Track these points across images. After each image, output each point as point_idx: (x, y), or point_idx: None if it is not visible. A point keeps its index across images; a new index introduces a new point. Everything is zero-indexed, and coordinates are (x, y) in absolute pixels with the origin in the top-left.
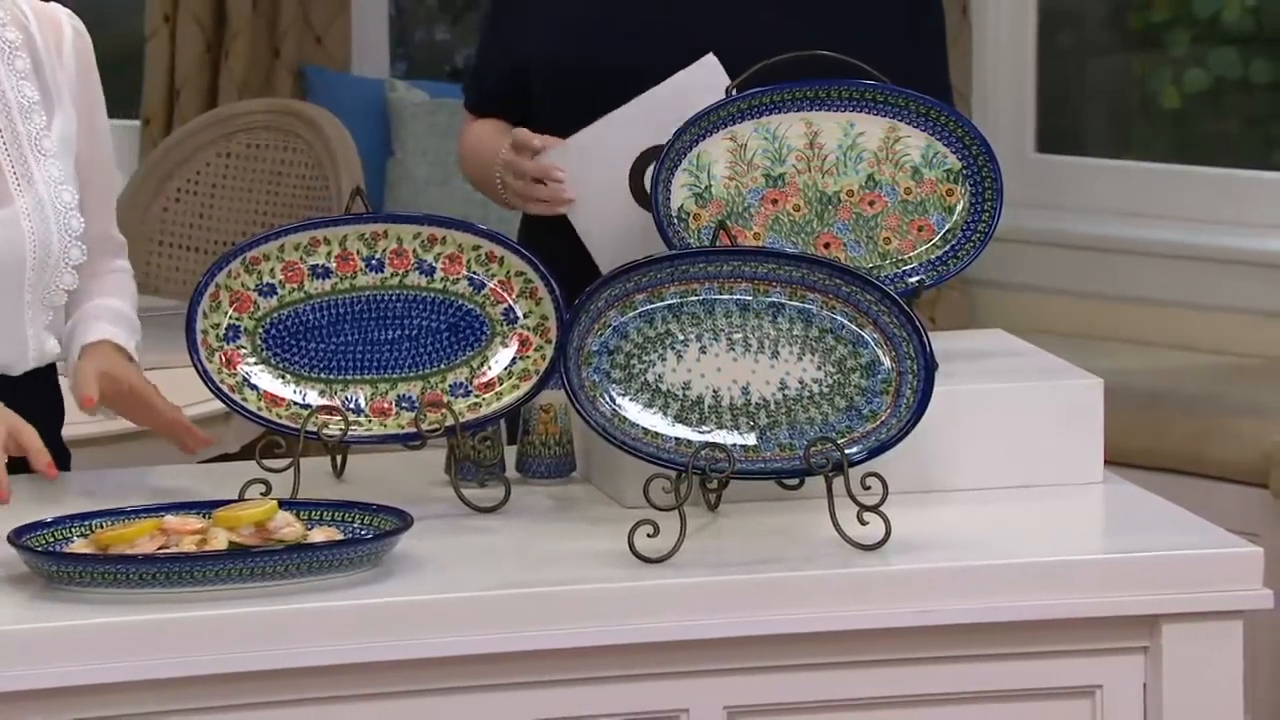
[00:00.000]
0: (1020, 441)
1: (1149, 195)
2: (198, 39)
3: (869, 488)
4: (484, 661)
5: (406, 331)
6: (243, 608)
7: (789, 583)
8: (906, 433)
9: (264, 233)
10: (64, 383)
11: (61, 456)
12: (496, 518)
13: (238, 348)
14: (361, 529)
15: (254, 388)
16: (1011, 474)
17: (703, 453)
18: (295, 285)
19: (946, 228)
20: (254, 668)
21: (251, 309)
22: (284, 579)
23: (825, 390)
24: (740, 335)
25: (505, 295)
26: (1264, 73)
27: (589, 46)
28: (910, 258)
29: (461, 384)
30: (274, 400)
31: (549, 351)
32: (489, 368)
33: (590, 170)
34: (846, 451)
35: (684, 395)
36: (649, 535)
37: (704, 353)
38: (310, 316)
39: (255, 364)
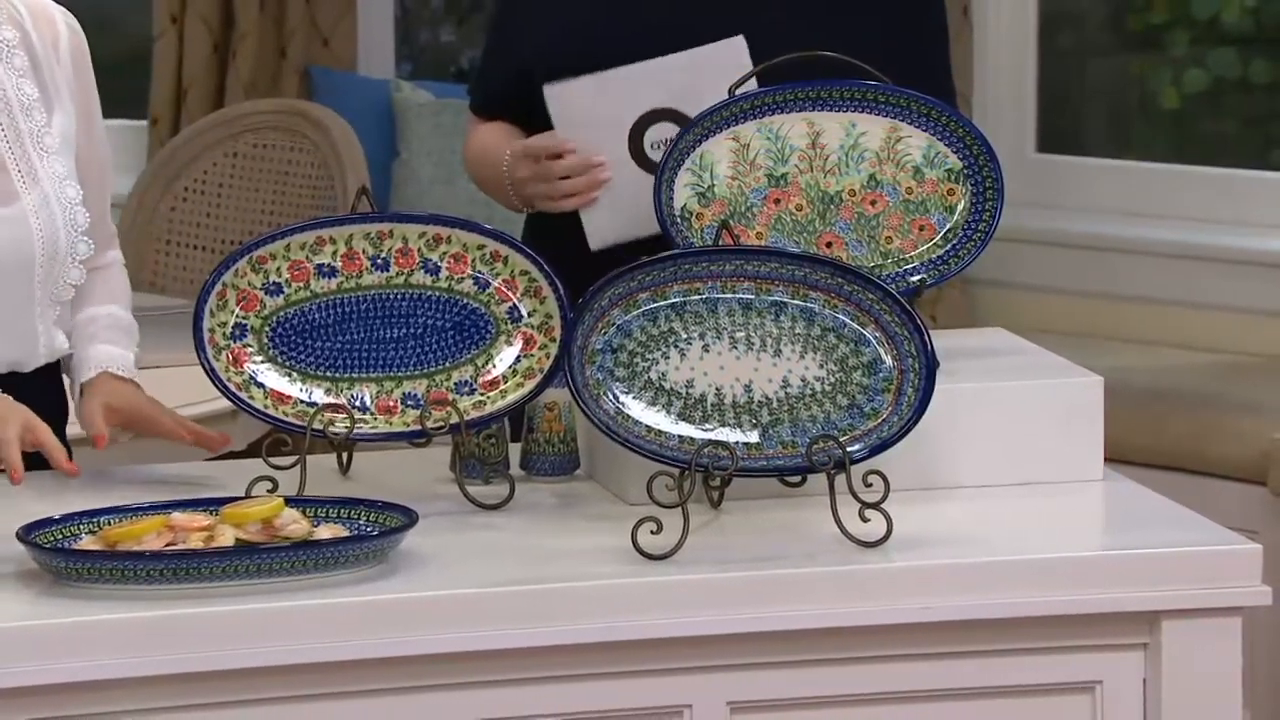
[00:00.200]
0: (1021, 439)
1: (1149, 195)
2: (205, 40)
3: (870, 485)
4: (489, 657)
5: (412, 330)
6: (249, 604)
7: (791, 579)
8: (908, 430)
9: (270, 232)
10: (67, 380)
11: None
12: (501, 515)
13: (244, 346)
14: (367, 526)
15: (260, 386)
16: (1012, 471)
17: (706, 450)
18: (301, 284)
19: (948, 227)
20: (260, 664)
21: (258, 308)
22: (290, 575)
23: (827, 388)
24: (743, 334)
25: (510, 294)
26: (1263, 73)
27: (591, 49)
28: (912, 257)
29: (466, 382)
30: (280, 398)
31: (553, 350)
32: (494, 366)
33: (592, 117)
34: (848, 449)
35: (687, 393)
36: (652, 532)
37: (707, 351)
38: (316, 315)
39: (262, 362)
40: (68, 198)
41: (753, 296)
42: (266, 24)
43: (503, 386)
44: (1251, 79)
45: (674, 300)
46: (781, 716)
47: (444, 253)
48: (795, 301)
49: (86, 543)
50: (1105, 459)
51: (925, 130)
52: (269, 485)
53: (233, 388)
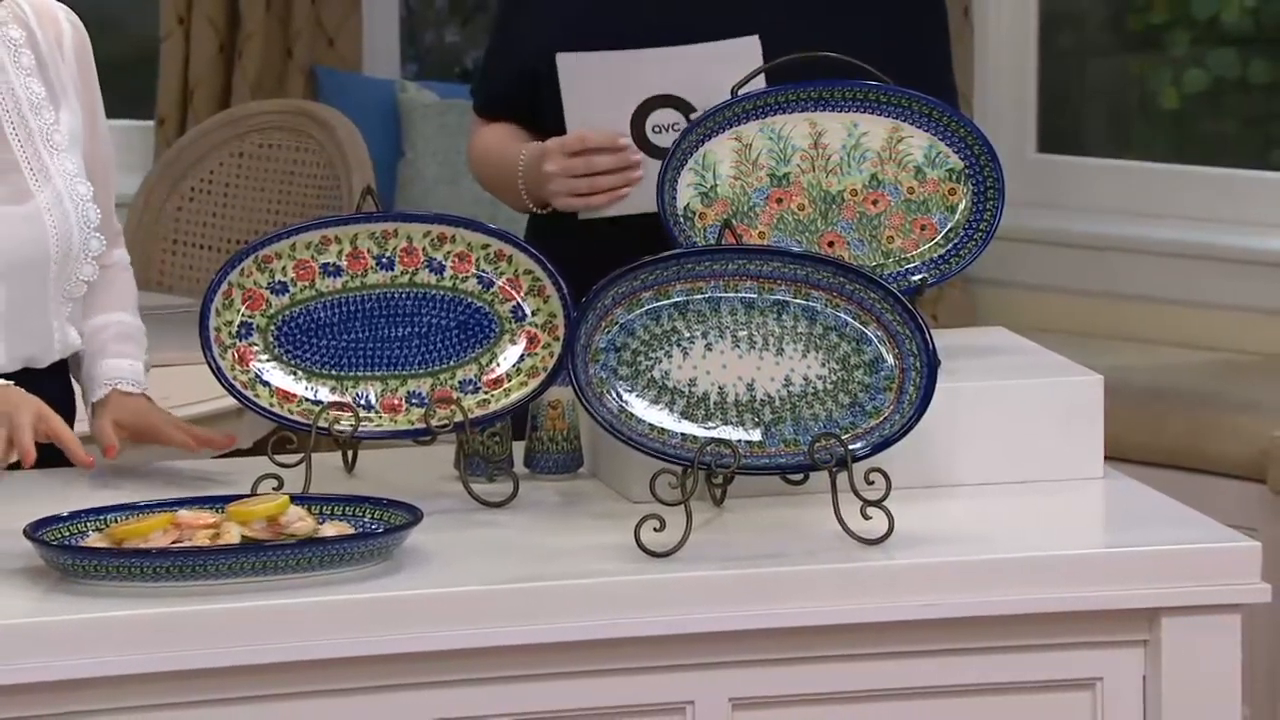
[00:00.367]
0: (1021, 437)
1: (1149, 195)
2: (211, 40)
3: (872, 483)
4: (492, 654)
5: (416, 329)
6: (254, 601)
7: (793, 576)
8: (909, 429)
9: (276, 231)
10: (77, 387)
11: None
12: (505, 512)
13: (250, 345)
14: (372, 523)
15: (266, 384)
16: (1013, 469)
17: (708, 448)
18: (307, 283)
19: (949, 227)
20: (265, 660)
21: (264, 306)
22: (296, 573)
23: (829, 387)
24: (745, 332)
25: (514, 293)
26: (1263, 73)
27: (594, 48)
28: (913, 256)
29: (470, 380)
30: (286, 396)
31: (557, 348)
32: (498, 364)
33: (600, 92)
34: (850, 447)
35: (690, 392)
36: (655, 530)
37: (710, 350)
38: (321, 314)
39: (267, 361)
40: (79, 195)
41: (755, 295)
42: (272, 24)
43: (507, 385)
44: (1251, 79)
45: (677, 299)
46: (783, 713)
47: (448, 252)
48: (797, 300)
49: (93, 540)
50: (1105, 457)
51: (927, 130)
52: (274, 483)
53: (238, 386)
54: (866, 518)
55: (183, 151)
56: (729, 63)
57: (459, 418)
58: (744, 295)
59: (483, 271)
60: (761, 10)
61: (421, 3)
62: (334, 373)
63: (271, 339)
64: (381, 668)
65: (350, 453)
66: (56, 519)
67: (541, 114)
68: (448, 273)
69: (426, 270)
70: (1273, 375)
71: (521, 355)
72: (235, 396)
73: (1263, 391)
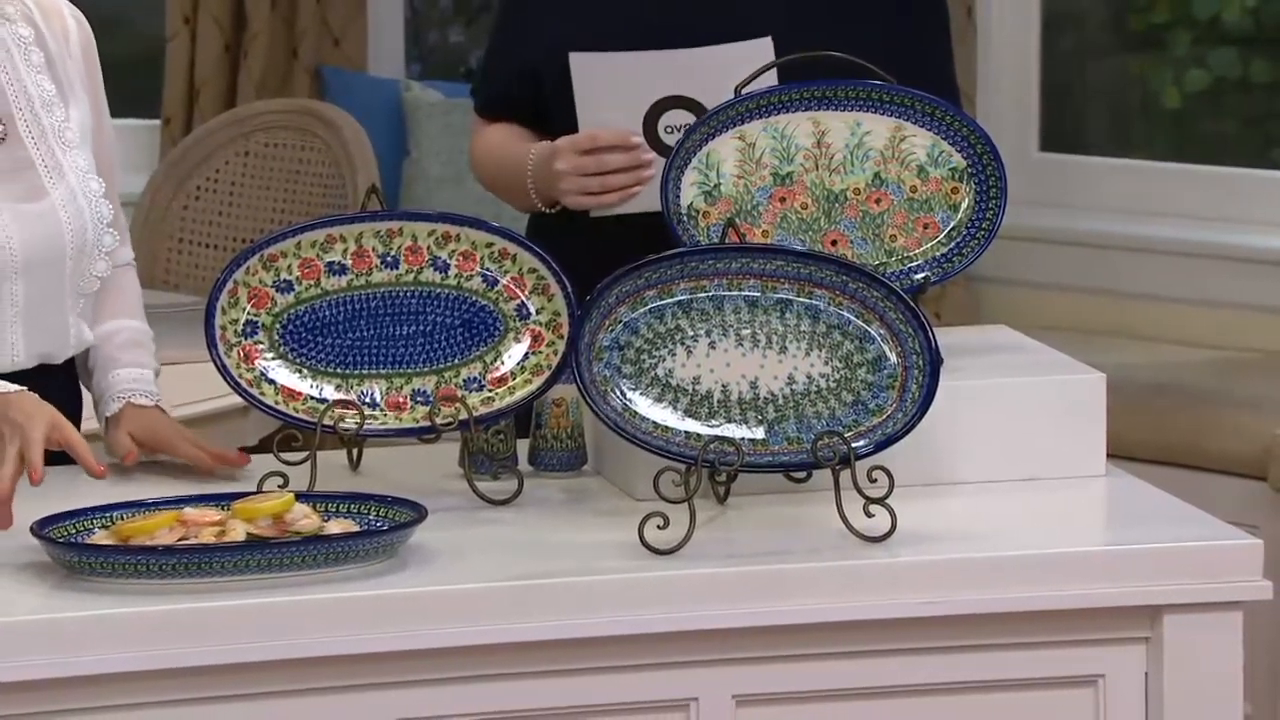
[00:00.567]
0: (1024, 435)
1: (1150, 193)
2: (217, 40)
3: (875, 480)
4: (497, 651)
5: (421, 327)
6: (260, 598)
7: (796, 574)
8: (912, 427)
9: (281, 230)
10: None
11: None
12: (509, 510)
13: (256, 343)
14: (377, 521)
15: (271, 382)
16: (1015, 467)
17: (712, 446)
18: (312, 282)
19: (951, 225)
20: (271, 657)
21: (269, 305)
22: (301, 570)
23: (832, 385)
24: (749, 331)
25: (518, 291)
26: (1264, 73)
27: (597, 48)
28: (916, 255)
29: (475, 379)
30: (291, 394)
31: (561, 347)
32: (502, 363)
33: (613, 92)
34: (853, 445)
35: (693, 390)
36: (659, 527)
37: (713, 348)
38: (327, 312)
39: (273, 359)
40: (92, 191)
41: (758, 294)
42: (278, 24)
43: (511, 383)
44: (1252, 79)
45: (680, 298)
46: (786, 710)
47: (453, 251)
48: (801, 299)
49: (99, 537)
50: (1107, 455)
51: (929, 129)
52: (280, 480)
53: (244, 384)
54: (869, 515)
55: (188, 151)
56: (742, 64)
57: (463, 416)
58: (747, 294)
59: (487, 270)
60: (764, 10)
61: (426, 3)
62: (339, 371)
63: (277, 337)
64: (385, 665)
65: (355, 450)
66: (62, 516)
67: (544, 114)
68: (452, 271)
69: (431, 269)
70: (1274, 373)
71: (526, 353)
72: (241, 395)
73: (1264, 389)
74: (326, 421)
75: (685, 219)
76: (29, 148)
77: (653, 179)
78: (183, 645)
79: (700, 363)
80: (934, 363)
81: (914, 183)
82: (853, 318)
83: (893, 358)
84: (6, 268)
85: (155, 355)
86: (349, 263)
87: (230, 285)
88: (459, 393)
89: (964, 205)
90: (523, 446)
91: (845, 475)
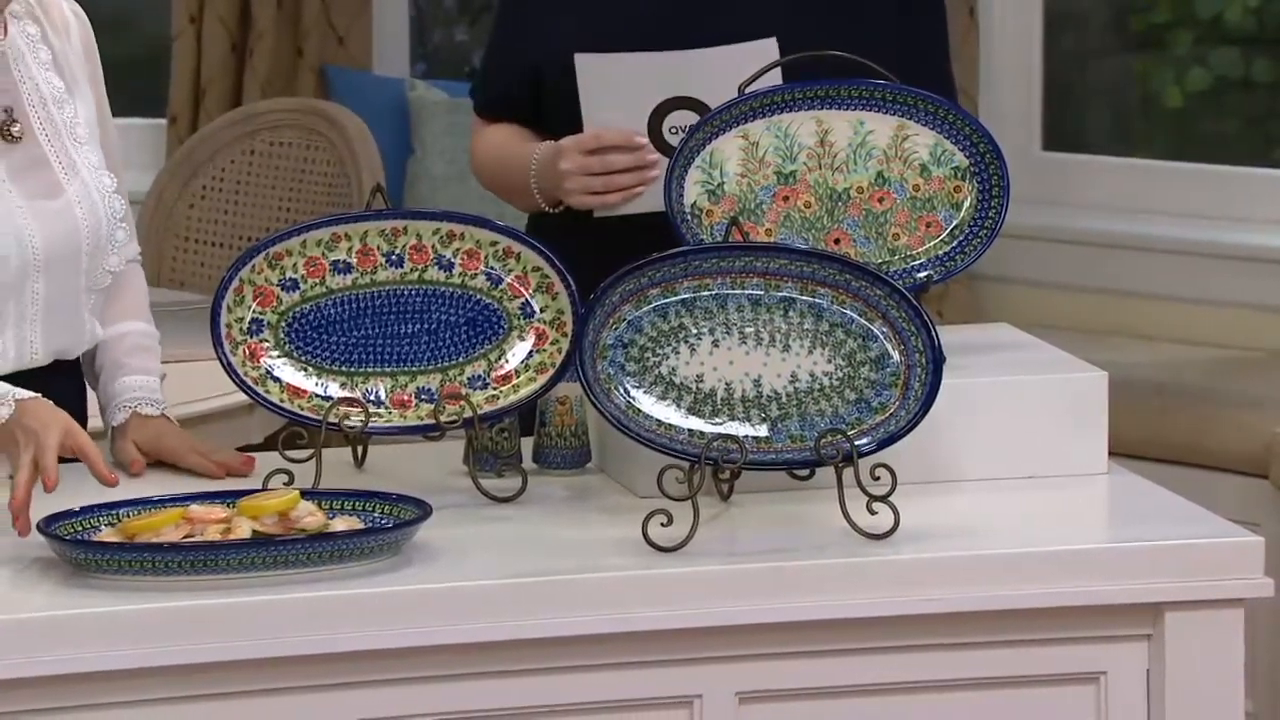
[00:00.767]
0: (1026, 433)
1: (1152, 192)
2: (223, 39)
3: (878, 478)
4: (501, 648)
5: (426, 325)
6: (265, 595)
7: (800, 571)
8: (915, 424)
9: (287, 229)
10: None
11: None
12: (513, 507)
13: (261, 341)
14: (382, 518)
15: (277, 380)
16: (1017, 465)
17: (715, 444)
18: (317, 280)
19: (954, 224)
20: (276, 654)
21: (274, 303)
22: (306, 567)
23: (835, 383)
24: (752, 329)
25: (522, 290)
26: (1265, 72)
27: (603, 46)
28: (919, 253)
29: (479, 377)
30: (296, 392)
31: (565, 345)
32: (506, 361)
33: (618, 93)
34: (856, 443)
35: (697, 388)
36: (663, 524)
37: (717, 346)
38: (332, 311)
39: (278, 357)
40: (105, 187)
41: (762, 292)
42: (283, 24)
43: (515, 381)
44: (1253, 78)
45: (684, 296)
46: (790, 707)
47: (457, 249)
48: (804, 297)
49: (105, 534)
50: (1109, 453)
51: (932, 128)
52: (285, 478)
53: (250, 382)
54: (872, 513)
55: (194, 149)
56: (747, 65)
57: (468, 413)
58: (751, 292)
59: (491, 268)
60: (765, 10)
61: (430, 2)
62: (344, 369)
63: (282, 335)
64: (391, 662)
65: (360, 448)
66: (69, 513)
67: (545, 114)
68: (457, 270)
69: (435, 267)
70: (1275, 371)
71: (530, 351)
72: (246, 392)
73: (1265, 387)
74: (331, 419)
75: (689, 218)
76: (43, 145)
77: (657, 179)
78: (188, 642)
79: (704, 361)
80: (936, 361)
81: (917, 181)
82: (856, 316)
83: (895, 356)
84: (29, 265)
85: (160, 356)
86: (354, 261)
87: (236, 283)
88: (463, 391)
89: (966, 204)
90: (527, 444)
91: (848, 473)
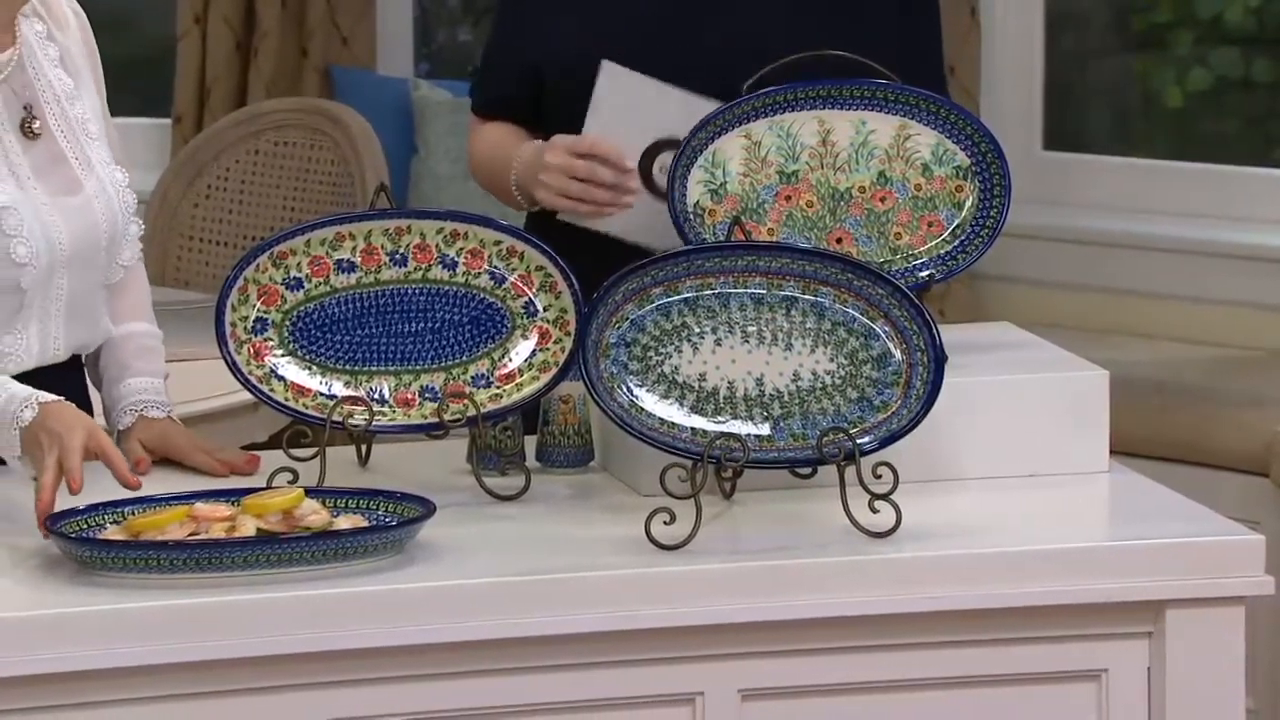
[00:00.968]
0: (1027, 432)
1: (1152, 192)
2: (228, 39)
3: (880, 477)
4: (504, 645)
5: (429, 324)
6: (270, 593)
7: (802, 569)
8: (917, 423)
9: (291, 228)
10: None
11: None
12: (517, 506)
13: (265, 340)
14: (386, 516)
15: (281, 379)
16: (1019, 463)
17: (718, 442)
18: (321, 279)
19: (956, 223)
20: (280, 651)
21: (279, 302)
22: (310, 565)
23: (837, 382)
24: (754, 328)
25: (526, 289)
26: (1265, 72)
27: (603, 46)
28: (920, 253)
29: (483, 375)
30: (300, 391)
31: (568, 344)
32: (509, 360)
33: (627, 115)
34: (858, 441)
35: (699, 386)
36: (665, 523)
37: (719, 345)
38: (336, 310)
39: (282, 356)
40: (117, 181)
41: (764, 291)
42: (288, 24)
43: (518, 380)
44: (1254, 78)
45: (687, 295)
46: (792, 704)
47: (461, 248)
48: (806, 296)
49: (111, 532)
50: (1110, 451)
51: (934, 128)
52: (289, 476)
53: (254, 381)
54: (874, 511)
55: (199, 149)
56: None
57: (471, 412)
58: (753, 291)
59: (495, 268)
60: (765, 10)
61: (434, 2)
62: (348, 367)
63: (286, 334)
64: (395, 659)
65: (364, 446)
66: (74, 511)
67: (545, 114)
68: (460, 269)
69: (439, 266)
70: (1275, 370)
71: (533, 350)
72: (251, 391)
73: (1266, 386)
74: (335, 418)
75: (691, 217)
76: (60, 142)
77: (631, 209)
78: (192, 639)
79: (706, 359)
80: (938, 359)
81: (919, 181)
82: (858, 315)
83: (897, 354)
84: (56, 262)
85: (163, 357)
86: (358, 260)
87: (240, 282)
88: (467, 390)
89: (968, 203)
90: (530, 443)
91: (850, 471)
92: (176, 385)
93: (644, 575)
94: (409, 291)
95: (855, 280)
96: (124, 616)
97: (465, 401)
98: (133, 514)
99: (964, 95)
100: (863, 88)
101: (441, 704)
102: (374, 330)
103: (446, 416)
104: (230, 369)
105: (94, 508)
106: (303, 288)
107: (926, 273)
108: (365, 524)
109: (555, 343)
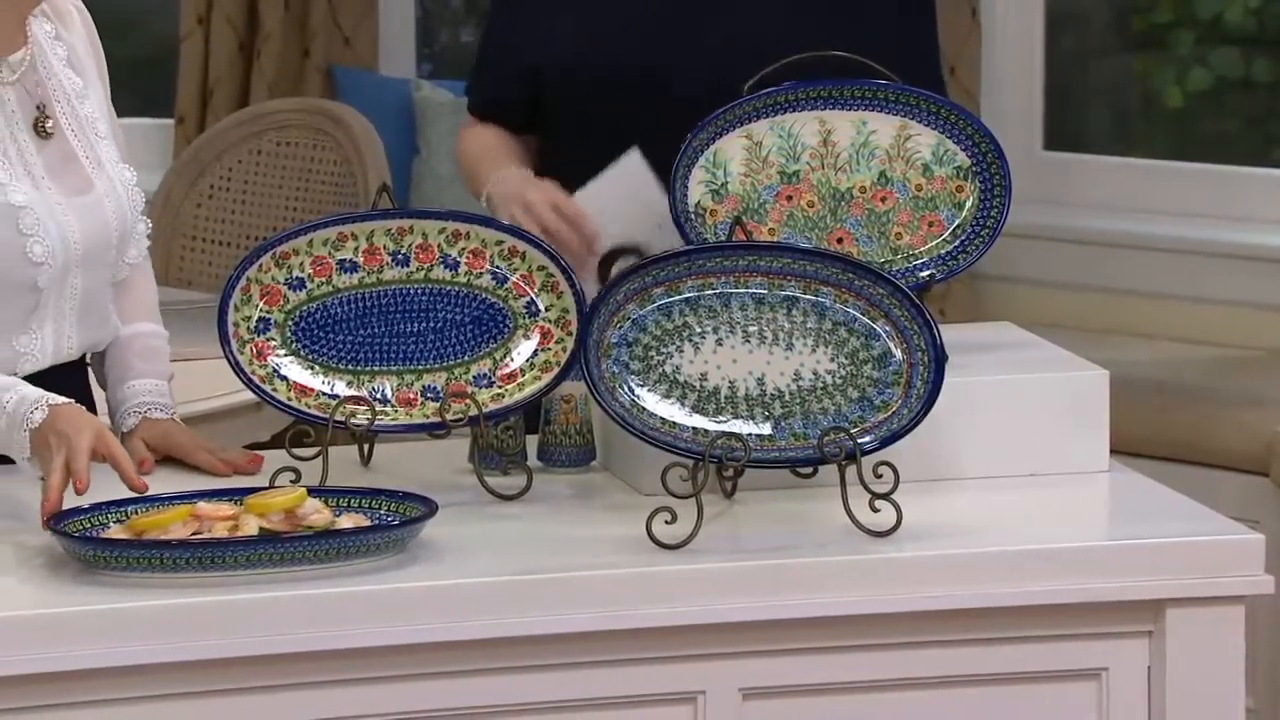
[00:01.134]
0: (1028, 431)
1: (1152, 192)
2: (230, 40)
3: (881, 476)
4: (506, 645)
5: (431, 324)
6: (272, 592)
7: (803, 568)
8: (917, 423)
9: (293, 228)
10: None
11: None
12: (518, 505)
13: (268, 340)
14: (388, 516)
15: (284, 379)
16: (1019, 463)
17: (719, 442)
18: (324, 279)
19: (956, 223)
20: (282, 650)
21: (281, 302)
22: (313, 564)
23: (838, 381)
24: (755, 328)
25: (527, 289)
26: (1265, 72)
27: (603, 46)
28: (921, 252)
29: (485, 375)
30: (303, 391)
31: (570, 344)
32: (511, 359)
33: (623, 204)
34: (859, 441)
35: (701, 386)
36: (667, 522)
37: (720, 345)
38: (338, 309)
39: (285, 355)
40: (126, 180)
41: (765, 291)
42: (290, 24)
43: (520, 379)
44: (1254, 78)
45: (688, 295)
46: (793, 703)
47: (463, 248)
48: (807, 296)
49: (114, 531)
50: (1110, 451)
51: (934, 128)
52: (292, 476)
53: (257, 380)
54: (875, 510)
55: (202, 149)
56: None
57: (473, 412)
58: (754, 291)
59: (497, 268)
60: (765, 11)
61: (436, 2)
62: (350, 367)
63: (289, 334)
64: (397, 658)
65: (366, 446)
66: (77, 510)
67: (541, 116)
68: (462, 269)
69: (441, 266)
70: (1275, 370)
71: (535, 350)
72: (254, 391)
73: (1265, 386)
74: (338, 417)
75: (692, 217)
76: (71, 141)
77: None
78: (194, 638)
79: (708, 359)
80: (939, 359)
81: (919, 181)
82: (858, 314)
83: (898, 354)
84: (71, 261)
85: (168, 357)
86: (360, 260)
87: (243, 282)
88: (469, 389)
89: (968, 203)
90: (532, 442)
91: (851, 471)
92: (179, 385)
93: (645, 574)
94: (411, 291)
95: (856, 280)
96: (127, 615)
97: (467, 401)
98: (136, 513)
99: (964, 95)
100: (863, 88)
101: (443, 703)
102: (376, 330)
103: (448, 416)
104: (233, 369)
105: (97, 507)
106: (305, 288)
107: (927, 273)
108: (367, 523)
109: (557, 342)
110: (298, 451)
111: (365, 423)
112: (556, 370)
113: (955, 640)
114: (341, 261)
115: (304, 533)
